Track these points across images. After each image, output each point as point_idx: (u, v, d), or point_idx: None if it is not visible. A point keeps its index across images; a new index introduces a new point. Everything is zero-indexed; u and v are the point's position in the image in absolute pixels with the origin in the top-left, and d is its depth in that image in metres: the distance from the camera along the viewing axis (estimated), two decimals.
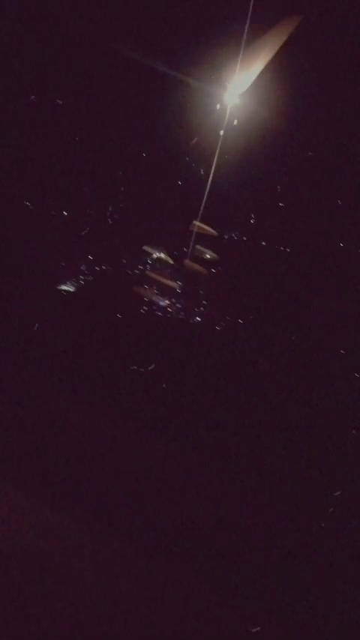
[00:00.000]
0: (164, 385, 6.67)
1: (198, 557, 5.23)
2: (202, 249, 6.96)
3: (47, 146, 6.86)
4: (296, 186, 7.19)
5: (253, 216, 7.26)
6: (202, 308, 7.13)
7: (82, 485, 5.61)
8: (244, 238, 7.27)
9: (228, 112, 6.45)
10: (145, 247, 6.94)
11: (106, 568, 5.00)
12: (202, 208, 6.60)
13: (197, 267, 6.96)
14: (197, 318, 7.09)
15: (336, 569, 5.33)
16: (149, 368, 6.80)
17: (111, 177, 7.11)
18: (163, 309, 6.96)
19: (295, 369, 6.98)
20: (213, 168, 6.40)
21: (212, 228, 6.97)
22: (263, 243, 7.27)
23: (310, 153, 7.11)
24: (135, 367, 6.75)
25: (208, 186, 6.51)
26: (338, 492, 5.81)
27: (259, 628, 4.77)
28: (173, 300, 6.90)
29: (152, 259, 6.93)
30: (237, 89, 6.37)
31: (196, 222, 6.82)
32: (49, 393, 6.28)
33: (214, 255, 7.05)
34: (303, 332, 7.07)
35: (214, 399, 6.60)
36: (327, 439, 6.26)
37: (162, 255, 6.94)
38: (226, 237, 7.10)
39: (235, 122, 6.58)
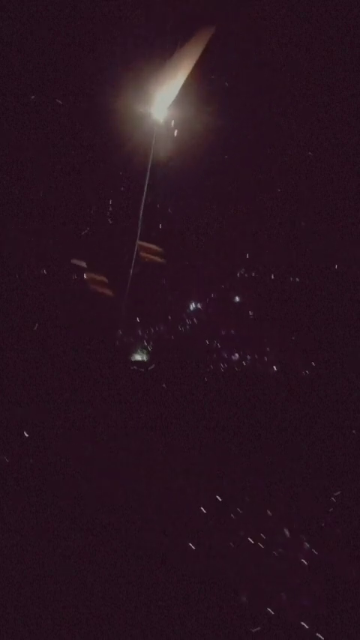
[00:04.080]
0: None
1: (198, 558, 5.23)
2: (147, 256, 6.96)
3: None
4: (231, 195, 7.32)
5: (190, 227, 7.34)
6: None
7: (82, 485, 5.62)
8: (186, 250, 7.33)
9: (157, 125, 6.59)
10: (73, 261, 6.92)
11: (106, 568, 5.01)
12: (139, 222, 6.68)
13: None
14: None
15: (336, 569, 5.33)
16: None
17: (44, 195, 7.12)
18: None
19: (293, 367, 6.99)
20: (147, 180, 6.50)
21: (151, 242, 7.01)
22: (207, 253, 7.35)
23: (241, 161, 7.25)
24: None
25: (144, 200, 6.61)
26: (338, 492, 5.81)
27: (259, 628, 4.77)
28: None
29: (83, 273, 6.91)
30: (164, 101, 6.51)
31: (140, 243, 6.86)
32: (48, 393, 6.29)
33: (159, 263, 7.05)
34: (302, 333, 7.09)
35: (214, 400, 6.60)
36: (327, 439, 6.26)
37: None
38: (166, 249, 7.12)
39: (175, 133, 6.73)
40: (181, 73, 6.39)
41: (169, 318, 7.17)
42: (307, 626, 4.89)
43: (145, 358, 6.95)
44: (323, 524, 5.62)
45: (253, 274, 7.23)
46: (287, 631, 4.85)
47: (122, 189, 7.12)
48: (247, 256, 7.26)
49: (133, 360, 6.95)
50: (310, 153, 7.18)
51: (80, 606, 4.70)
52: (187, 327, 7.17)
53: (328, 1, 6.76)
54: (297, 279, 7.14)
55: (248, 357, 6.90)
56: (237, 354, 6.92)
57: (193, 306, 7.26)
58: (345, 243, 7.16)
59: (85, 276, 6.84)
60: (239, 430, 6.25)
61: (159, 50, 6.47)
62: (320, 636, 4.86)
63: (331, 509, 5.73)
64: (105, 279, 6.79)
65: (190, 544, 5.30)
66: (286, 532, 5.53)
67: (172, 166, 6.85)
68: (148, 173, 6.52)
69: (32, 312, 6.68)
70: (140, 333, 7.06)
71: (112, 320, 6.85)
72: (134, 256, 6.82)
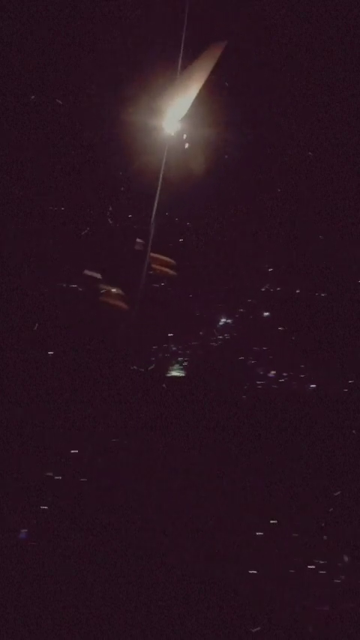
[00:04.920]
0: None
1: (198, 558, 5.23)
2: (158, 267, 6.92)
3: None
4: (246, 208, 7.31)
5: (202, 238, 7.32)
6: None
7: (82, 485, 5.62)
8: (196, 262, 7.30)
9: (169, 138, 6.60)
10: (86, 272, 6.88)
11: (106, 568, 5.00)
12: (151, 235, 6.67)
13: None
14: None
15: (336, 569, 5.33)
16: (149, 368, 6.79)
17: (52, 206, 7.11)
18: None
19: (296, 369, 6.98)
20: (158, 194, 6.50)
21: (163, 253, 6.99)
22: (218, 264, 7.32)
23: (257, 173, 7.24)
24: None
25: (155, 210, 6.60)
26: (338, 492, 5.81)
27: (259, 628, 4.77)
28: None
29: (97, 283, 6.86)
30: (176, 115, 6.52)
31: (140, 240, 6.81)
32: (48, 393, 6.28)
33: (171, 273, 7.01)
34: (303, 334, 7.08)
35: (212, 400, 6.59)
36: (327, 439, 6.26)
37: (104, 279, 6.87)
38: (177, 261, 7.08)
39: (185, 145, 6.74)
40: (193, 85, 6.39)
41: (201, 333, 7.10)
42: (307, 626, 4.89)
43: (181, 374, 6.88)
44: (323, 524, 5.61)
45: (279, 289, 7.18)
46: (287, 631, 4.85)
47: (122, 188, 7.11)
48: (270, 270, 7.21)
49: (168, 375, 6.87)
50: (310, 153, 7.18)
51: (80, 606, 4.70)
52: (220, 342, 7.09)
53: (329, 1, 6.78)
54: (322, 295, 7.08)
55: (284, 374, 6.83)
56: (273, 372, 6.85)
57: (223, 320, 7.18)
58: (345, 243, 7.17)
59: (99, 288, 6.79)
60: (239, 430, 6.25)
61: (171, 62, 6.48)
62: (320, 636, 4.86)
63: (331, 509, 5.72)
64: (121, 292, 6.74)
65: (190, 544, 5.30)
66: (286, 532, 5.52)
67: (184, 179, 6.84)
68: (160, 186, 6.51)
69: (32, 312, 6.68)
70: (174, 348, 6.99)
71: (115, 322, 6.80)
72: (145, 268, 6.78)
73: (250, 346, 6.99)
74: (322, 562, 5.35)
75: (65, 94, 6.95)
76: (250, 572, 5.19)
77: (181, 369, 6.90)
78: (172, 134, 6.56)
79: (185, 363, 6.90)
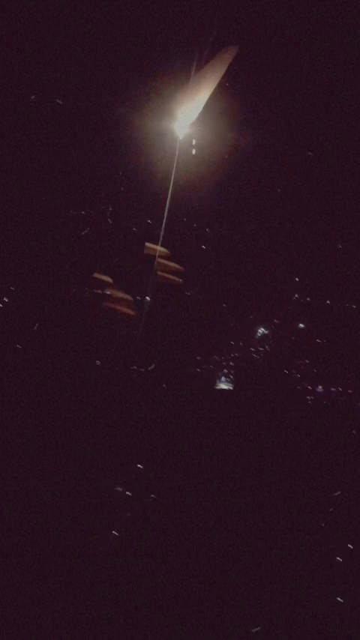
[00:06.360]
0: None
1: (198, 557, 5.23)
2: (165, 275, 6.88)
3: None
4: (255, 213, 7.29)
5: (211, 244, 7.29)
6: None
7: (82, 484, 5.62)
8: (205, 266, 7.26)
9: (179, 142, 6.61)
10: (95, 275, 6.86)
11: (106, 568, 5.01)
12: (161, 238, 6.67)
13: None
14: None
15: (336, 569, 5.33)
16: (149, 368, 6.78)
17: (62, 210, 7.10)
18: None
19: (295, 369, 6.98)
20: (169, 199, 6.51)
21: (172, 260, 6.95)
22: (225, 271, 7.28)
23: (264, 178, 7.23)
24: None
25: (165, 217, 6.60)
26: (338, 492, 5.81)
27: (259, 628, 4.77)
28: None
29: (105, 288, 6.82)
30: (187, 119, 6.53)
31: (150, 245, 6.77)
32: (48, 393, 6.29)
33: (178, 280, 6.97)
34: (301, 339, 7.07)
35: (263, 414, 6.57)
36: (327, 439, 6.26)
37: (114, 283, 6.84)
38: (185, 266, 7.04)
39: (193, 151, 6.74)
40: (205, 89, 6.40)
41: (241, 344, 7.04)
42: (307, 626, 4.89)
43: (230, 387, 6.81)
44: (323, 524, 5.62)
45: (309, 299, 7.13)
46: (287, 631, 4.85)
47: (122, 188, 7.10)
48: (297, 279, 7.16)
49: (217, 388, 6.81)
50: (310, 153, 7.18)
51: (80, 606, 4.70)
52: (262, 354, 7.03)
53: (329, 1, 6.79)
54: (354, 306, 7.04)
55: (333, 389, 6.79)
56: (321, 386, 6.81)
57: (260, 331, 7.12)
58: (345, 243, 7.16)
59: (108, 293, 6.75)
60: (240, 430, 6.25)
61: (184, 65, 6.48)
62: (320, 636, 4.86)
63: (331, 509, 5.73)
64: (129, 297, 6.71)
65: (190, 544, 5.30)
66: (286, 532, 5.52)
67: (193, 183, 6.82)
68: (170, 191, 6.52)
69: (32, 312, 6.68)
70: (218, 359, 6.93)
71: (118, 328, 6.76)
72: (153, 275, 6.74)
73: (293, 359, 6.96)
74: (322, 562, 5.35)
75: (65, 94, 6.95)
76: (251, 572, 5.19)
77: (229, 383, 6.85)
78: (182, 138, 6.58)
79: (232, 376, 6.85)
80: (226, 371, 6.87)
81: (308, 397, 6.72)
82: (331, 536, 5.53)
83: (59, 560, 4.98)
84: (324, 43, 6.85)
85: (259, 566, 5.25)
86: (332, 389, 6.76)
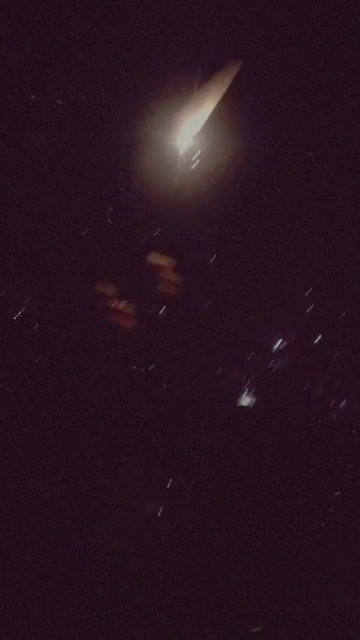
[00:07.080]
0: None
1: (197, 557, 5.23)
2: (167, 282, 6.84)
3: None
4: (255, 213, 7.27)
5: (214, 255, 7.27)
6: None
7: (82, 484, 5.62)
8: (205, 277, 7.22)
9: (182, 154, 6.60)
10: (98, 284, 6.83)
11: (106, 568, 5.01)
12: (161, 238, 6.66)
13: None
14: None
15: (336, 569, 5.33)
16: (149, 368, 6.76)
17: (62, 210, 7.08)
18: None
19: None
20: (169, 199, 6.51)
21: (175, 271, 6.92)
22: (225, 271, 7.24)
23: (264, 178, 7.21)
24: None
25: (165, 218, 6.59)
26: (338, 492, 5.81)
27: (259, 628, 4.77)
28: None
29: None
30: (189, 131, 6.53)
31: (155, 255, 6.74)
32: (48, 393, 6.28)
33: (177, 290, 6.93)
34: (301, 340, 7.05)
35: (211, 399, 6.58)
36: (327, 439, 6.26)
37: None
38: (186, 277, 7.00)
39: (194, 163, 6.73)
40: (209, 103, 6.40)
41: (258, 358, 6.96)
42: (307, 626, 4.89)
43: (253, 404, 6.73)
44: (323, 524, 5.62)
45: (322, 310, 7.05)
46: (287, 631, 4.85)
47: (122, 188, 7.09)
48: (310, 290, 7.10)
49: (240, 405, 6.73)
50: (310, 153, 7.18)
51: (80, 606, 4.70)
52: (281, 370, 6.95)
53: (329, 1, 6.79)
54: (354, 306, 6.97)
55: (355, 405, 6.71)
56: (344, 403, 6.74)
57: (277, 345, 7.04)
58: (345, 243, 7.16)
59: (109, 303, 6.73)
60: (239, 430, 6.25)
61: (188, 78, 6.48)
62: (320, 636, 4.86)
63: (331, 509, 5.73)
64: (130, 308, 6.68)
65: (190, 544, 5.30)
66: (286, 532, 5.52)
67: (195, 183, 6.81)
68: (170, 192, 6.52)
69: (32, 312, 6.68)
70: (237, 373, 6.84)
71: (117, 338, 6.73)
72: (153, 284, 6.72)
73: (314, 374, 6.83)
74: (322, 562, 5.35)
75: (65, 94, 6.95)
76: (251, 572, 5.19)
77: (252, 399, 6.80)
78: (184, 150, 6.58)
79: (253, 392, 6.79)
80: (245, 387, 6.75)
81: (308, 397, 6.71)
82: (331, 536, 5.53)
83: (59, 560, 4.98)
84: (324, 43, 6.86)
85: (259, 566, 5.25)
86: (332, 389, 6.75)
